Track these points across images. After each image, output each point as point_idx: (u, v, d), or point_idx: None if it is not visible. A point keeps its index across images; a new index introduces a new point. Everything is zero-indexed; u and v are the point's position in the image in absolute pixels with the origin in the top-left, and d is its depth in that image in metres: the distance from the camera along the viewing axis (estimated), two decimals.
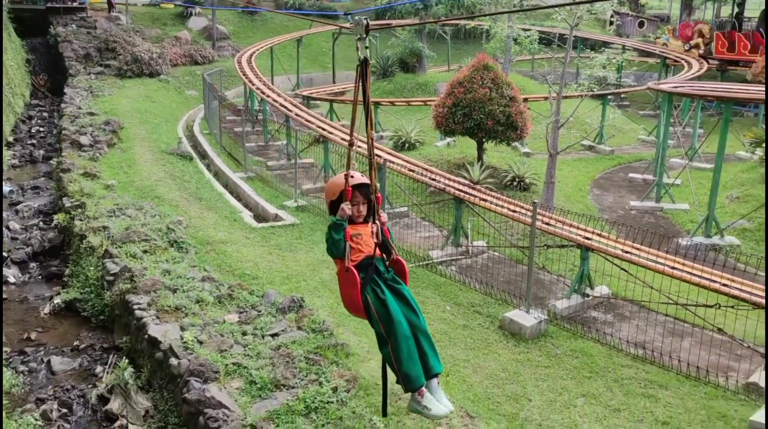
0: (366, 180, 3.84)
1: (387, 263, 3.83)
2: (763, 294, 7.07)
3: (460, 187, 10.34)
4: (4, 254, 9.55)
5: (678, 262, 7.84)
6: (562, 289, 8.97)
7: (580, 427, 5.92)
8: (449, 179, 10.74)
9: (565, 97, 12.99)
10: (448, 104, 13.06)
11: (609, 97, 18.70)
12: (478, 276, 9.25)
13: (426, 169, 11.26)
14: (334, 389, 5.22)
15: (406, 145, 16.05)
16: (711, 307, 7.37)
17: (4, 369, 6.62)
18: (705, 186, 13.39)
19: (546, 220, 8.89)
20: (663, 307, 8.21)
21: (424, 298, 8.32)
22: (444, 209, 11.66)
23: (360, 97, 3.63)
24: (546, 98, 15.47)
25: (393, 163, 11.14)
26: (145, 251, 8.39)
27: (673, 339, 7.62)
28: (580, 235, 8.47)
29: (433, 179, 10.65)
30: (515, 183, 13.01)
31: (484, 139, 13.31)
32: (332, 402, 5.07)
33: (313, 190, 13.05)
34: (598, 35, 31.59)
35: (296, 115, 14.48)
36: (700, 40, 25.31)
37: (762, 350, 7.20)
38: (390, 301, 3.60)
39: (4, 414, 5.81)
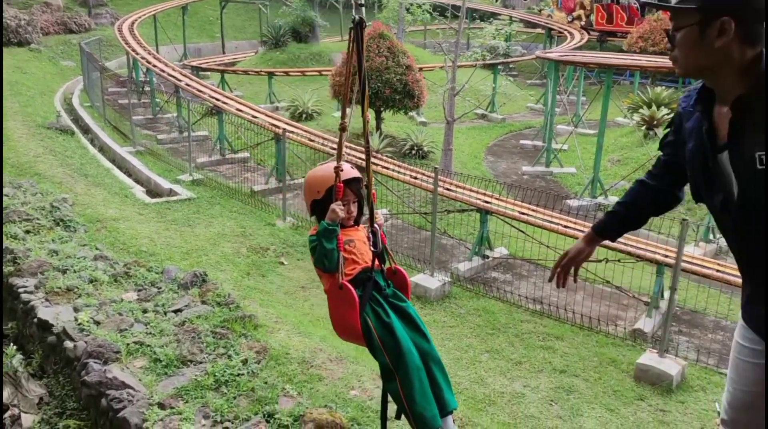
0: (357, 173, 3.11)
1: (385, 275, 3.13)
2: (647, 247, 7.60)
3: (361, 155, 10.33)
4: None
5: (570, 222, 8.27)
6: (464, 252, 9.24)
7: (485, 380, 6.16)
8: (349, 148, 10.71)
9: (460, 66, 13.23)
10: (345, 73, 12.95)
11: (499, 66, 19.27)
12: None
13: (326, 139, 11.16)
14: (244, 361, 5.10)
15: (304, 115, 15.82)
16: (599, 261, 7.84)
17: None
18: (589, 150, 14.16)
19: (447, 186, 9.08)
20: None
21: None
22: None
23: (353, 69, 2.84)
24: (441, 67, 15.71)
25: (293, 133, 10.95)
26: (27, 232, 7.79)
27: (567, 293, 8.06)
28: (480, 200, 8.73)
29: (334, 149, 10.57)
30: (414, 151, 13.18)
31: (382, 108, 13.35)
32: (243, 374, 4.96)
33: (209, 164, 12.63)
34: (486, 6, 32.35)
35: (187, 85, 13.88)
36: (581, 12, 26.52)
37: (645, 299, 7.76)
38: (396, 325, 2.94)
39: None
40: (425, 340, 3.00)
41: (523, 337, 7.06)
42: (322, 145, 10.71)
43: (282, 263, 8.33)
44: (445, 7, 17.35)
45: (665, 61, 13.14)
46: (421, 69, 14.57)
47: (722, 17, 1.74)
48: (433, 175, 8.09)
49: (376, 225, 3.03)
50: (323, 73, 17.83)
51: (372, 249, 3.00)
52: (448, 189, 8.99)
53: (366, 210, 3.11)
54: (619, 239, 7.85)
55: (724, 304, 7.33)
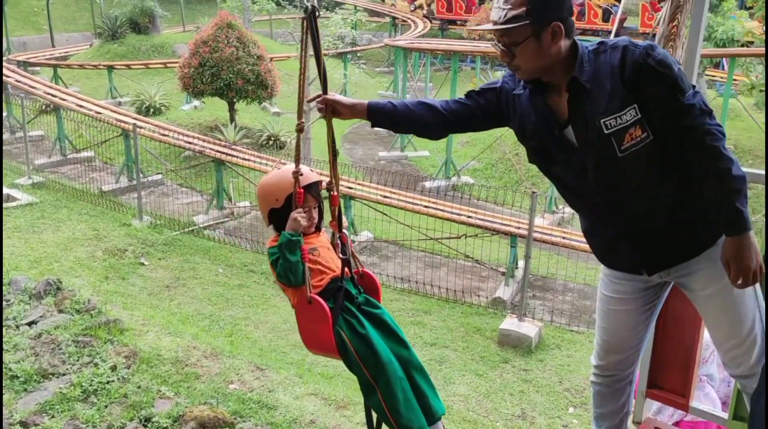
0: (318, 176, 2.88)
1: (356, 282, 2.88)
2: (501, 221, 8.13)
3: (219, 148, 10.09)
4: None
5: (429, 202, 8.65)
6: None
7: None
8: (206, 141, 10.41)
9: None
10: (195, 64, 12.52)
11: (348, 55, 19.52)
12: (247, 236, 9.20)
13: (180, 133, 10.75)
14: (113, 368, 4.86)
15: (151, 110, 15.06)
16: (459, 238, 8.29)
17: None
18: None
19: None
20: (420, 243, 9.01)
21: (195, 265, 8.07)
22: (202, 173, 11.27)
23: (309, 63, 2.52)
24: (293, 57, 15.65)
25: (143, 128, 10.43)
26: None
27: (432, 270, 8.43)
28: (343, 186, 8.86)
29: (190, 143, 10.22)
30: (271, 142, 13.05)
31: (235, 99, 13.06)
32: (113, 381, 4.73)
33: (49, 165, 11.69)
34: None
35: (17, 81, 12.71)
36: (423, 1, 27.45)
37: (502, 269, 8.31)
38: (372, 335, 2.74)
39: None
40: (404, 348, 2.81)
41: (394, 315, 7.24)
42: (177, 139, 10.30)
43: (142, 264, 7.96)
44: None
45: None
46: (272, 59, 14.42)
47: (552, 23, 1.96)
48: None
49: (344, 230, 2.76)
50: (168, 65, 17.08)
51: (340, 256, 2.74)
52: None
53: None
54: (476, 214, 8.30)
55: (570, 268, 8.04)
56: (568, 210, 10.77)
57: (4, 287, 6.23)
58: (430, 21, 26.05)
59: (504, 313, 7.48)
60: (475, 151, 13.91)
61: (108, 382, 4.71)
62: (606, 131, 1.99)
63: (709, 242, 2.09)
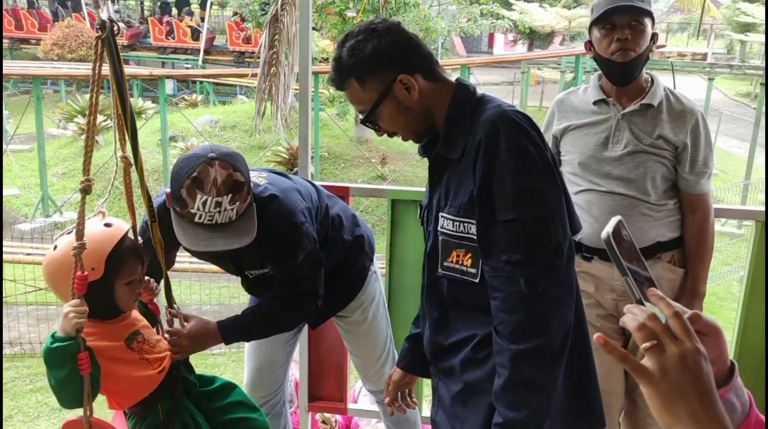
0: (126, 225, 1.89)
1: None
2: None
3: None
4: None
5: (31, 247, 7.61)
6: None
7: None
8: None
9: None
10: None
11: None
12: None
13: None
14: None
15: None
16: None
17: None
18: (29, 167, 13.11)
19: None
20: (28, 296, 7.84)
21: None
22: None
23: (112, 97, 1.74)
24: None
25: None
26: None
27: (47, 324, 7.41)
28: None
29: None
30: None
31: None
32: None
33: None
34: None
35: None
36: None
37: None
38: None
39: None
40: (253, 411, 2.14)
41: (8, 388, 6.20)
42: None
43: None
44: None
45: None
46: None
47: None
48: None
49: (175, 305, 2.09)
50: None
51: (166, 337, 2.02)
52: None
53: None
54: None
55: (203, 291, 7.95)
56: None
57: None
58: None
59: None
60: (74, 183, 12.69)
61: None
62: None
63: (359, 288, 2.36)
